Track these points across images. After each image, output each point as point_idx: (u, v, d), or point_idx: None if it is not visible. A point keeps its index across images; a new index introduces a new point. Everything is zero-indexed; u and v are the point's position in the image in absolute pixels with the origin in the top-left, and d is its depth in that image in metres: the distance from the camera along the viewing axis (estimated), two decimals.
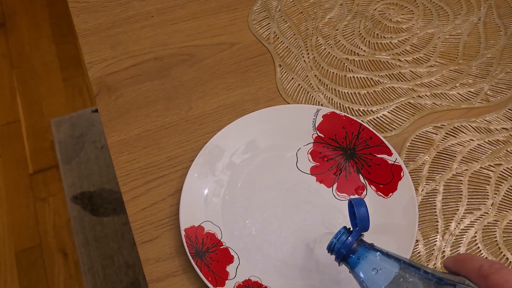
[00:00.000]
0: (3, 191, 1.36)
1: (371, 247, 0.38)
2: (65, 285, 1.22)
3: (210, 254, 0.47)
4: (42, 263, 1.24)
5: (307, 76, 0.60)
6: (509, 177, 0.53)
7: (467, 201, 0.52)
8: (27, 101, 1.52)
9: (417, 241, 0.49)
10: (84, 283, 1.21)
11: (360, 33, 0.64)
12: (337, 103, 0.58)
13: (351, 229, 0.40)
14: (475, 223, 0.50)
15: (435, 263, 0.48)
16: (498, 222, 0.50)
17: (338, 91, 0.59)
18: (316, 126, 0.54)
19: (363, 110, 0.58)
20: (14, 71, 1.58)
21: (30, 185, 1.36)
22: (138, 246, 0.48)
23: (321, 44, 0.63)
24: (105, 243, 1.26)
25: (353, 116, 0.57)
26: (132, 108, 0.57)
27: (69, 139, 1.44)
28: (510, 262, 0.48)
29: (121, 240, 1.27)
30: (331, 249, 0.39)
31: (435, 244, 0.49)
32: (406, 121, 0.57)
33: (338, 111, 0.54)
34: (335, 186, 0.52)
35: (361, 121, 0.55)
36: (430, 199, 0.52)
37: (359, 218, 0.40)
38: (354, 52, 0.63)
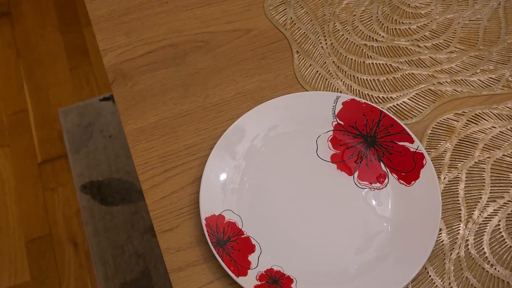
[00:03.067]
0: (12, 181, 1.35)
1: None
2: (75, 275, 1.22)
3: (232, 243, 0.46)
4: (52, 253, 1.24)
5: (325, 62, 0.59)
6: None
7: (490, 189, 0.51)
8: (34, 90, 1.51)
9: (440, 229, 0.48)
10: (94, 272, 1.21)
11: (378, 19, 0.63)
12: (356, 90, 0.57)
13: None
14: (499, 211, 0.49)
15: (458, 252, 0.47)
16: None
17: (357, 77, 0.58)
18: (336, 113, 0.54)
19: (382, 97, 0.57)
20: (21, 60, 1.57)
21: (39, 175, 1.36)
22: (158, 235, 0.47)
23: (338, 30, 0.62)
24: (115, 232, 1.26)
25: (372, 103, 0.56)
26: (148, 95, 0.56)
27: (77, 128, 1.43)
28: None
29: (131, 229, 1.26)
30: None
31: (458, 233, 0.48)
32: (426, 108, 0.56)
33: (358, 98, 0.53)
34: (356, 174, 0.51)
35: (381, 108, 0.54)
36: (452, 187, 0.51)
37: None
38: (373, 38, 0.61)
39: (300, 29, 0.62)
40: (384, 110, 0.53)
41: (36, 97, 1.49)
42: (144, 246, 1.24)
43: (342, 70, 0.58)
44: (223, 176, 0.50)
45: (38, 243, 1.26)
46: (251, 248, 0.47)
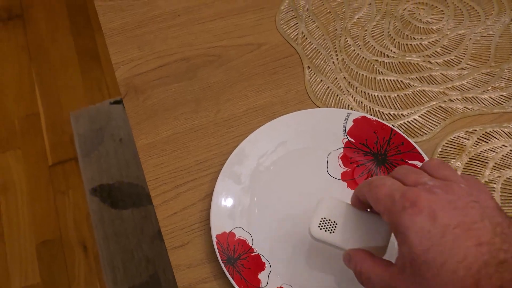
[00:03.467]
0: (24, 184, 1.37)
1: None
2: (85, 279, 1.23)
3: (242, 261, 0.47)
4: (63, 256, 1.26)
5: (336, 78, 0.59)
6: None
7: None
8: (46, 93, 1.52)
9: None
10: (104, 276, 1.22)
11: (390, 34, 0.63)
12: (367, 106, 0.57)
13: None
14: None
15: None
16: None
17: (368, 94, 0.58)
18: (346, 130, 0.54)
19: (393, 114, 0.57)
20: (33, 63, 1.58)
21: (50, 178, 1.37)
22: (169, 252, 0.48)
23: (350, 45, 0.62)
24: (124, 236, 1.27)
25: (383, 120, 0.56)
26: (160, 110, 0.57)
27: (88, 132, 1.45)
28: None
29: (140, 234, 1.27)
30: None
31: None
32: (437, 125, 0.56)
33: (369, 116, 0.54)
34: None
35: (392, 125, 0.55)
36: None
37: None
38: (384, 53, 0.62)
39: (311, 43, 0.62)
40: (395, 128, 0.53)
41: (47, 100, 1.51)
42: (153, 250, 1.25)
43: (353, 86, 0.59)
44: (233, 193, 0.50)
45: (48, 245, 1.28)
46: (261, 266, 0.47)
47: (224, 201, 0.50)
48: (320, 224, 0.42)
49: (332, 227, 0.42)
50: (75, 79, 1.55)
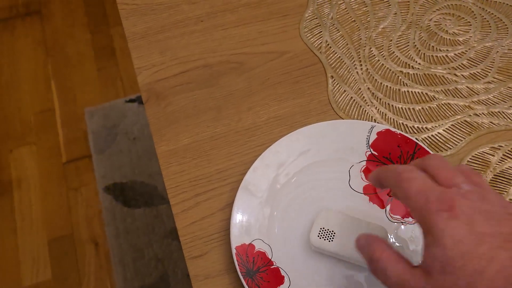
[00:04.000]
0: (37, 179, 1.38)
1: None
2: (95, 276, 1.23)
3: (261, 274, 0.46)
4: (74, 253, 1.26)
5: (359, 89, 0.58)
6: None
7: None
8: (62, 89, 1.53)
9: None
10: (114, 274, 1.22)
11: (415, 45, 0.62)
12: (390, 118, 0.56)
13: None
14: None
15: None
16: None
17: (392, 106, 0.57)
18: (370, 143, 0.53)
19: (417, 127, 0.56)
20: (49, 59, 1.59)
21: (63, 174, 1.38)
22: (187, 262, 0.47)
23: (374, 55, 0.61)
24: (135, 235, 1.28)
25: (407, 133, 0.55)
26: (181, 117, 0.56)
27: (102, 129, 1.45)
28: None
29: (152, 233, 1.27)
30: None
31: None
32: (462, 140, 0.55)
33: (393, 129, 0.53)
34: (388, 207, 0.51)
35: (416, 139, 0.54)
36: None
37: None
38: (409, 64, 0.61)
39: (335, 53, 0.61)
40: (419, 143, 0.52)
41: (63, 96, 1.51)
42: (164, 250, 1.25)
43: (377, 98, 0.58)
44: (253, 204, 0.50)
45: (60, 242, 1.28)
46: (280, 280, 0.46)
47: (244, 212, 0.49)
48: (319, 233, 0.46)
49: (331, 236, 0.46)
50: (91, 75, 1.55)
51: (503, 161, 0.54)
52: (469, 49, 0.62)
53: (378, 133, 0.53)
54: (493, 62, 0.61)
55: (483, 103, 0.57)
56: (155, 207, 1.32)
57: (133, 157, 1.39)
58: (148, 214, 1.32)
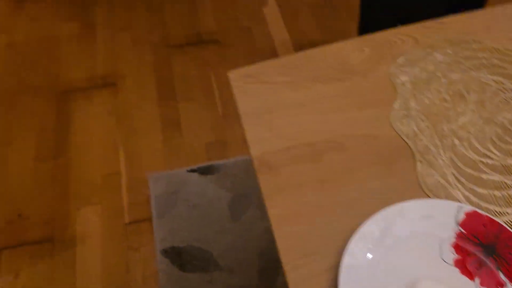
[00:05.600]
0: (100, 237, 1.45)
1: None
2: None
3: None
4: None
5: (445, 173, 0.66)
6: None
7: None
8: (128, 155, 1.65)
9: None
10: None
11: (492, 138, 0.71)
12: (474, 201, 0.64)
13: None
14: None
15: None
16: None
17: (475, 190, 0.65)
18: (459, 222, 0.60)
19: (498, 211, 0.63)
20: (119, 127, 1.72)
21: (125, 235, 1.45)
22: None
23: (456, 145, 0.70)
24: None
25: (491, 215, 0.62)
26: (288, 186, 0.65)
27: (164, 194, 1.54)
28: None
29: None
30: None
31: None
32: None
33: (480, 211, 0.60)
34: (477, 280, 0.57)
35: (500, 221, 0.60)
36: None
37: None
38: (487, 155, 0.69)
39: (422, 140, 0.70)
40: (503, 224, 0.59)
41: (129, 161, 1.63)
42: None
43: (461, 182, 0.66)
44: (355, 271, 0.56)
45: None
46: None
47: (349, 274, 0.56)
48: None
49: None
50: (156, 144, 1.67)
51: None
52: None
53: (466, 214, 0.60)
54: None
55: None
56: (210, 273, 1.37)
57: (193, 223, 1.47)
58: (202, 280, 1.36)
